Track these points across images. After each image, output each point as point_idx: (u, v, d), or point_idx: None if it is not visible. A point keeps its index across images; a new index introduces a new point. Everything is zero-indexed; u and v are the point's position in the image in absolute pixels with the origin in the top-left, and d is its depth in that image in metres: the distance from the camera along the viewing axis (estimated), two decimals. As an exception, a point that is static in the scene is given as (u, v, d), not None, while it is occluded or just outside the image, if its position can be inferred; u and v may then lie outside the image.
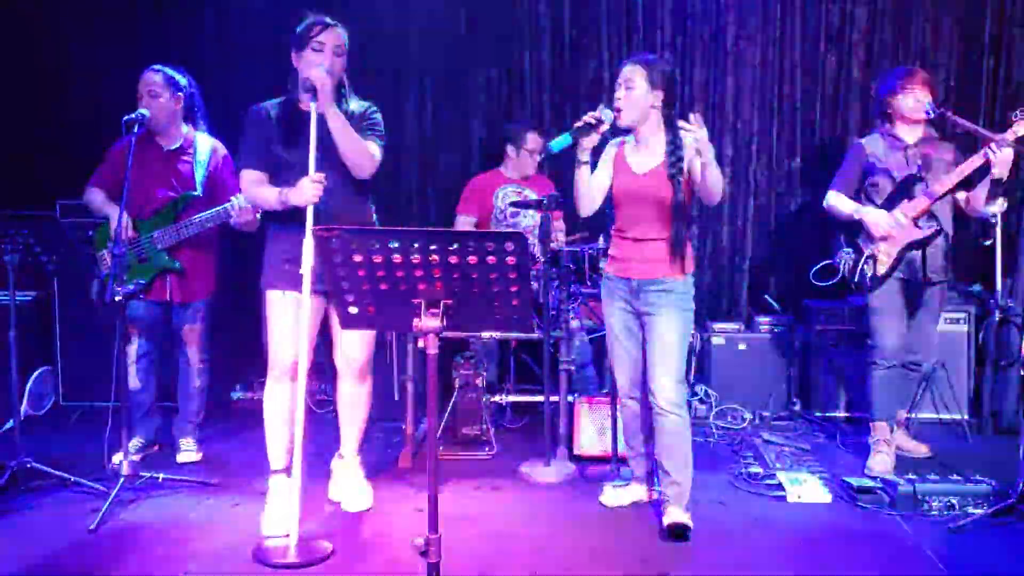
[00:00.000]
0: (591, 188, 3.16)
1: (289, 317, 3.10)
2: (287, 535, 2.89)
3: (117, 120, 3.39)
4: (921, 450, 3.90)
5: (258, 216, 3.62)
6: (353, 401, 3.32)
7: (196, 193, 3.73)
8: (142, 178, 3.61)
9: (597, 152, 3.18)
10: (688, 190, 3.06)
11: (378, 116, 3.23)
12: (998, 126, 4.60)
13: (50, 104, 4.88)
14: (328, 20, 3.09)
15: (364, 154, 3.08)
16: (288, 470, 3.13)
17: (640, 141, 3.13)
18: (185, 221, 3.66)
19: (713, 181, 2.93)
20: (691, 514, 3.07)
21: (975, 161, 3.45)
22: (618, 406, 3.48)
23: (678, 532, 3.00)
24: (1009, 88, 4.72)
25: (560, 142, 3.06)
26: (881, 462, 3.64)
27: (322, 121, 2.97)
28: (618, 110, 3.05)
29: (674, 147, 3.04)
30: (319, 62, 3.02)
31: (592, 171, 3.16)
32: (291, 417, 3.10)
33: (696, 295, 3.16)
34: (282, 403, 3.14)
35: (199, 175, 3.77)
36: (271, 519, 3.08)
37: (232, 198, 3.59)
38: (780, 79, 4.90)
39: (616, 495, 3.37)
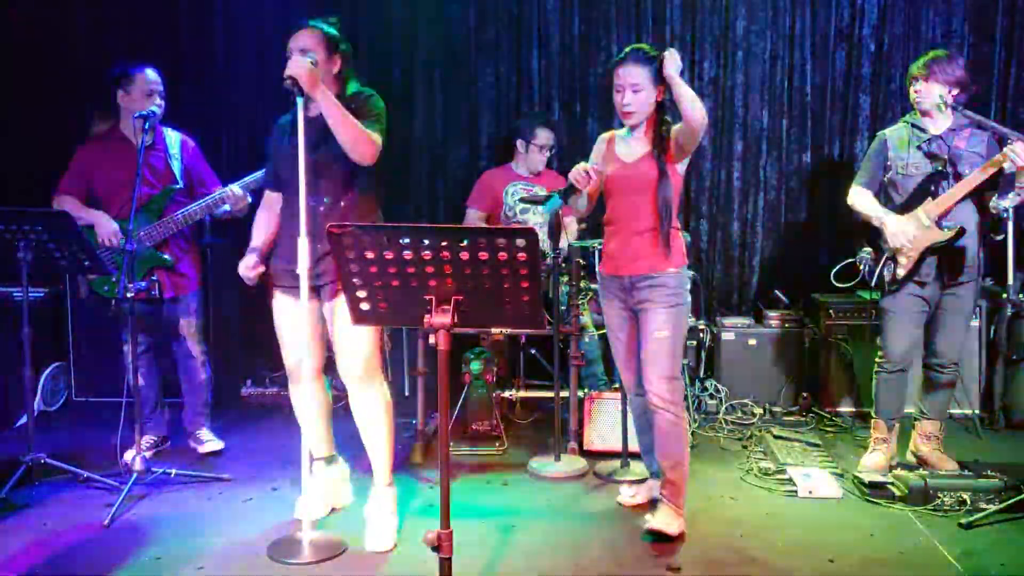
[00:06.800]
0: (587, 197, 3.17)
1: (287, 319, 3.05)
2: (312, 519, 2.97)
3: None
4: (947, 465, 3.59)
5: (248, 200, 3.64)
6: (360, 415, 3.07)
7: (178, 186, 3.74)
8: (118, 177, 3.63)
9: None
10: (677, 182, 3.00)
11: (376, 101, 2.98)
12: (1009, 119, 4.59)
13: (63, 101, 4.89)
14: (304, 23, 2.93)
15: (362, 139, 2.82)
16: (323, 459, 3.23)
17: (634, 132, 3.09)
18: (172, 215, 3.67)
19: (688, 99, 2.82)
20: (684, 515, 3.02)
21: (993, 166, 3.28)
22: (627, 401, 3.48)
23: (657, 537, 2.95)
24: (1020, 81, 4.70)
25: (551, 204, 3.11)
26: (875, 460, 3.61)
27: (313, 129, 2.80)
28: (627, 114, 3.01)
29: (659, 123, 3.02)
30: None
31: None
32: (314, 413, 3.14)
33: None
34: (300, 402, 3.15)
35: (176, 169, 3.77)
36: (302, 504, 3.13)
37: (229, 187, 3.61)
38: (790, 73, 4.88)
39: (632, 494, 3.35)
